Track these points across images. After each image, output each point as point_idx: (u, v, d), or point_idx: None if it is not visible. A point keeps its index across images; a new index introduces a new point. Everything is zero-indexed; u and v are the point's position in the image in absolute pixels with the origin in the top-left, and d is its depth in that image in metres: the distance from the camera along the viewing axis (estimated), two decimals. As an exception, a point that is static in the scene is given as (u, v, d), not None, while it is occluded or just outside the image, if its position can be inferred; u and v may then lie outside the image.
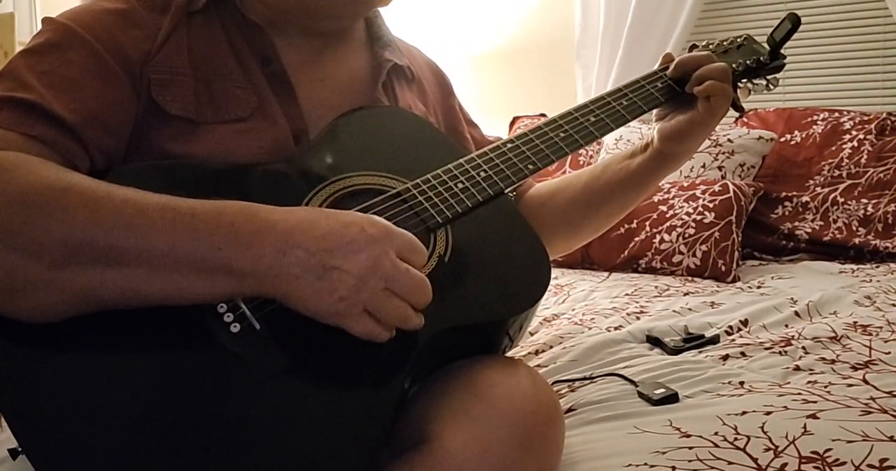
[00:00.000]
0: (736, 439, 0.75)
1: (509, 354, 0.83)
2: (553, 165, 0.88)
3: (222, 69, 0.80)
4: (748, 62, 0.98)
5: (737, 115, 1.89)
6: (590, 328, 1.26)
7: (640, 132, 2.13)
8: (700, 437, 0.76)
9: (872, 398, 0.84)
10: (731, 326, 1.21)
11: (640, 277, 1.78)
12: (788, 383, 0.94)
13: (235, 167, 0.76)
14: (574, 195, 1.01)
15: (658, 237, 1.83)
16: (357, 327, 0.62)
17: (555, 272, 1.80)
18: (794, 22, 0.95)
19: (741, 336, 1.17)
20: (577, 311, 1.41)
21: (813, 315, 1.27)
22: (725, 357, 1.06)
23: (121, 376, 0.60)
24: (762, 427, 0.77)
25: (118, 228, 0.59)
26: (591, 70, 2.71)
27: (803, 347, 1.07)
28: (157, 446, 0.58)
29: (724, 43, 1.02)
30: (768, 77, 1.01)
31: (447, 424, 0.63)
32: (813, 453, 0.71)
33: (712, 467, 0.70)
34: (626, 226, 1.85)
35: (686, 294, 1.53)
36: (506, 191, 0.80)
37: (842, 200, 1.95)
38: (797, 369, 0.99)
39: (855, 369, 0.96)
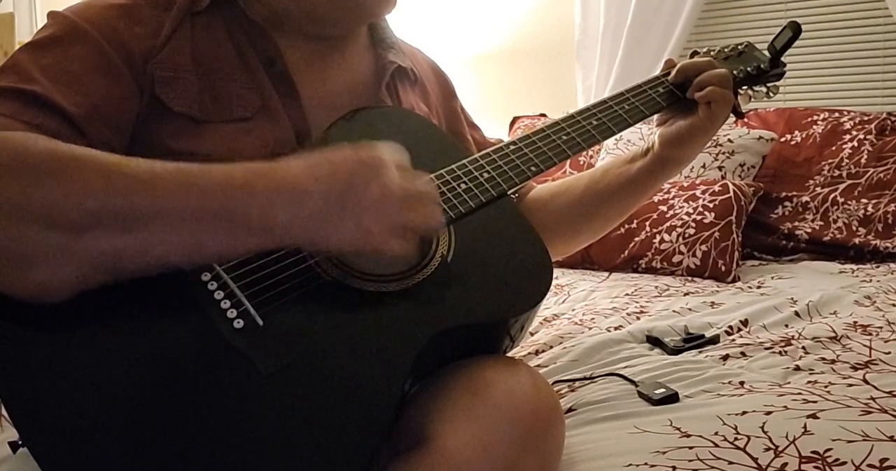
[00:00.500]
0: (736, 438, 0.75)
1: (510, 354, 0.83)
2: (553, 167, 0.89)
3: (226, 69, 0.80)
4: (749, 69, 0.99)
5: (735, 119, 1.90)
6: (590, 328, 1.26)
7: (640, 132, 2.13)
8: (700, 437, 0.76)
9: (872, 398, 0.84)
10: (731, 326, 1.21)
11: (640, 277, 1.78)
12: (788, 382, 0.94)
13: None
14: (574, 199, 1.01)
15: (658, 237, 1.83)
16: (385, 247, 0.65)
17: (555, 272, 1.80)
18: (794, 30, 0.95)
19: (741, 336, 1.17)
20: (577, 311, 1.41)
21: (813, 315, 1.27)
22: (725, 357, 1.06)
23: (122, 368, 0.60)
24: (762, 427, 0.77)
25: (134, 192, 0.59)
26: (591, 70, 2.71)
27: (803, 347, 1.07)
28: (156, 439, 0.58)
29: (726, 50, 1.03)
30: (769, 84, 1.02)
31: (447, 423, 0.63)
32: (813, 452, 0.71)
33: (712, 467, 0.70)
34: (626, 226, 1.85)
35: (686, 294, 1.53)
36: (508, 192, 0.80)
37: (842, 200, 1.95)
38: (797, 368, 0.99)
39: (855, 368, 0.96)
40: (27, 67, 0.72)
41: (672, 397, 0.88)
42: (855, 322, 1.18)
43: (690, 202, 1.86)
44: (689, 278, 1.74)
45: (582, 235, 1.06)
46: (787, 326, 1.22)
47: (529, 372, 0.72)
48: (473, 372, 0.70)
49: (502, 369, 0.70)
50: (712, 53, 1.02)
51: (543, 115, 2.59)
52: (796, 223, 1.96)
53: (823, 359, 1.01)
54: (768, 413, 0.80)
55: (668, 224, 1.84)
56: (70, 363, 0.60)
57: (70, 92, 0.71)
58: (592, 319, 1.32)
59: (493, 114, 2.72)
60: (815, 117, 2.14)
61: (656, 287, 1.61)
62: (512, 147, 0.84)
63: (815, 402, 0.83)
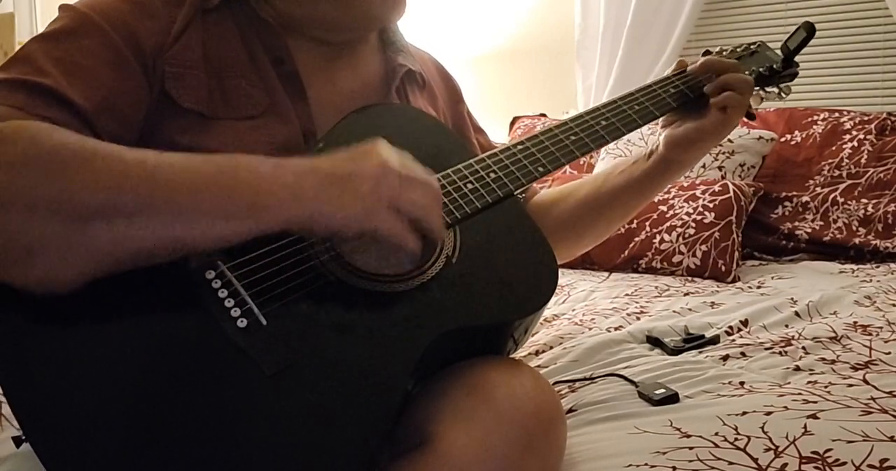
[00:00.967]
0: (736, 439, 0.75)
1: (511, 355, 0.83)
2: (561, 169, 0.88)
3: (235, 67, 0.81)
4: (761, 70, 0.98)
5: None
6: (590, 329, 1.26)
7: (640, 132, 2.13)
8: (700, 437, 0.76)
9: (872, 398, 0.84)
10: (731, 327, 1.21)
11: (640, 277, 1.78)
12: (788, 383, 0.95)
13: None
14: (577, 203, 1.02)
15: (658, 237, 1.83)
16: (386, 226, 0.65)
17: (555, 272, 1.80)
18: (809, 30, 0.94)
19: (741, 336, 1.17)
20: (577, 311, 1.41)
21: (813, 315, 1.27)
22: (725, 357, 1.06)
23: (125, 366, 0.60)
24: (762, 427, 0.77)
25: (141, 180, 0.60)
26: (591, 70, 2.71)
27: (803, 348, 1.07)
28: (159, 436, 0.58)
29: (738, 49, 1.02)
30: (781, 85, 1.01)
31: (449, 424, 0.63)
32: (813, 453, 0.71)
33: (712, 468, 0.70)
34: (626, 226, 1.85)
35: (686, 294, 1.53)
36: (515, 192, 0.80)
37: (842, 200, 1.95)
38: (797, 369, 0.99)
39: (855, 369, 0.96)
40: (39, 59, 0.72)
41: (672, 398, 0.88)
42: (855, 322, 1.18)
43: (690, 202, 1.86)
44: (689, 278, 1.74)
45: (585, 239, 1.06)
46: (787, 326, 1.22)
47: (531, 373, 0.72)
48: (475, 373, 0.70)
49: (504, 371, 0.70)
50: (725, 52, 1.01)
51: (543, 115, 2.59)
52: (796, 223, 1.96)
53: (823, 359, 1.01)
54: (768, 414, 0.81)
55: (668, 224, 1.84)
56: (72, 360, 0.60)
57: (81, 85, 0.72)
58: (592, 319, 1.32)
59: (493, 114, 2.73)
60: (815, 117, 2.14)
61: (656, 287, 1.61)
62: (519, 147, 0.83)
63: (815, 402, 0.83)
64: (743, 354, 1.07)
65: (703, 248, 1.77)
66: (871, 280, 1.57)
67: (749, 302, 1.38)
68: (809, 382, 0.93)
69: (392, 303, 0.69)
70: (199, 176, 0.62)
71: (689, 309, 1.36)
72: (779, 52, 1.00)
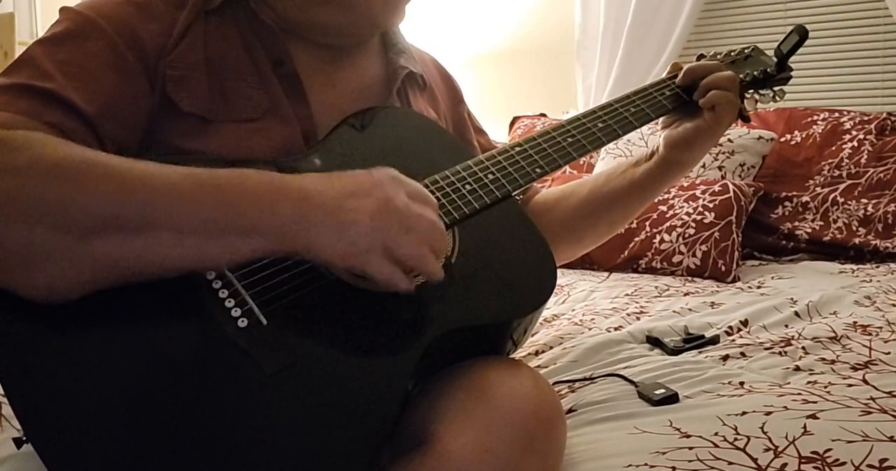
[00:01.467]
0: (736, 439, 0.75)
1: (511, 355, 0.83)
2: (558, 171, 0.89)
3: (236, 69, 0.80)
4: (755, 73, 0.99)
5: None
6: (590, 329, 1.26)
7: (640, 132, 2.13)
8: (700, 437, 0.76)
9: (872, 398, 0.84)
10: (731, 327, 1.21)
11: (640, 277, 1.78)
12: (788, 383, 0.95)
13: (247, 163, 0.76)
14: (578, 204, 1.02)
15: (658, 237, 1.83)
16: (376, 271, 0.63)
17: (555, 272, 1.80)
18: (801, 34, 0.95)
19: (741, 336, 1.17)
20: (577, 311, 1.41)
21: (813, 315, 1.27)
22: (725, 357, 1.06)
23: (125, 366, 0.61)
24: (762, 427, 0.77)
25: (143, 197, 0.60)
26: (591, 70, 2.72)
27: (803, 348, 1.07)
28: (159, 437, 0.58)
29: (732, 53, 1.03)
30: (775, 88, 1.02)
31: (449, 425, 0.63)
32: (813, 453, 0.71)
33: (712, 468, 0.70)
34: (626, 226, 1.84)
35: (686, 294, 1.53)
36: (513, 194, 0.80)
37: (842, 200, 1.95)
38: (797, 369, 0.99)
39: (855, 369, 0.96)
40: (43, 63, 0.72)
41: (672, 398, 0.88)
42: (855, 322, 1.18)
43: (690, 202, 1.86)
44: (689, 278, 1.74)
45: (587, 240, 1.07)
46: (787, 326, 1.22)
47: (531, 374, 0.72)
48: (475, 373, 0.70)
49: (504, 371, 0.70)
50: (719, 57, 1.02)
51: (543, 115, 2.60)
52: (796, 223, 1.96)
53: (823, 359, 1.01)
54: (768, 414, 0.81)
55: (668, 224, 1.84)
56: (73, 360, 0.60)
57: (84, 89, 0.72)
58: (592, 319, 1.32)
59: (493, 114, 2.73)
60: (815, 117, 2.14)
61: (656, 287, 1.61)
62: (517, 149, 0.84)
63: (814, 402, 0.83)
64: (743, 354, 1.07)
65: (703, 248, 1.77)
66: (871, 280, 1.57)
67: (749, 302, 1.38)
68: (809, 382, 0.93)
69: (392, 303, 0.69)
70: (201, 196, 0.61)
71: (689, 309, 1.36)
72: (773, 55, 1.01)
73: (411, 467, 0.62)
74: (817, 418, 0.78)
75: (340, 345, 0.65)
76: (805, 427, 0.76)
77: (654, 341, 1.16)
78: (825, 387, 0.90)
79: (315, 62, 0.86)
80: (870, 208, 1.91)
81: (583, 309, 1.42)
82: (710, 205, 1.84)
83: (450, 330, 0.69)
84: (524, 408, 0.65)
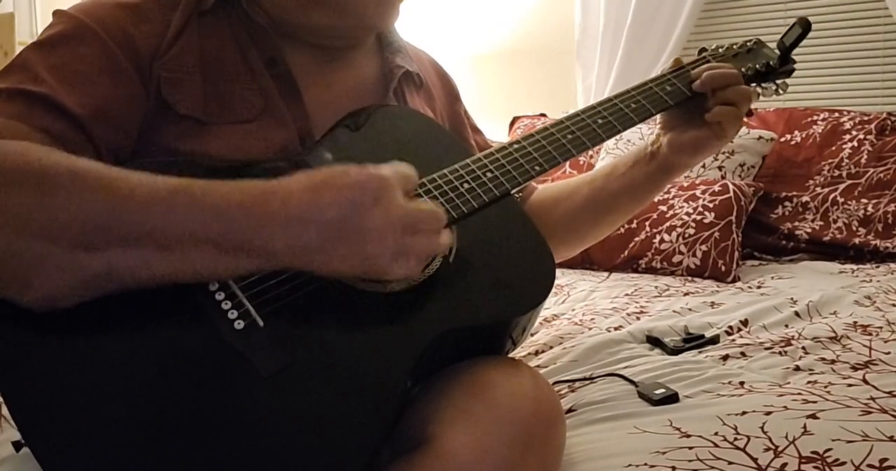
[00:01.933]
0: (736, 439, 0.75)
1: (510, 355, 0.83)
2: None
3: (230, 70, 0.80)
4: (758, 66, 0.98)
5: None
6: (590, 329, 1.26)
7: (640, 131, 2.13)
8: (700, 437, 0.76)
9: (872, 398, 0.84)
10: (731, 327, 1.21)
11: (640, 277, 1.78)
12: (788, 383, 0.95)
13: (243, 164, 0.76)
14: (578, 204, 1.02)
15: (658, 237, 1.83)
16: (392, 276, 0.64)
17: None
18: (804, 27, 0.94)
19: (741, 336, 1.17)
20: (577, 311, 1.41)
21: (813, 315, 1.27)
22: (725, 357, 1.06)
23: (122, 369, 0.60)
24: (762, 427, 0.77)
25: (134, 210, 0.59)
26: (591, 70, 2.72)
27: (803, 348, 1.07)
28: (158, 440, 0.58)
29: (734, 47, 1.02)
30: (777, 81, 1.01)
31: (448, 425, 0.63)
32: (813, 453, 0.71)
33: (712, 467, 0.70)
34: (626, 226, 1.85)
35: (686, 294, 1.53)
36: (512, 191, 0.80)
37: (842, 200, 1.95)
38: (797, 369, 0.99)
39: (855, 369, 0.96)
40: (35, 67, 0.72)
41: (672, 398, 0.88)
42: (855, 322, 1.18)
43: (690, 202, 1.86)
44: (689, 278, 1.74)
45: (586, 239, 1.07)
46: (787, 326, 1.22)
47: (531, 373, 0.72)
48: (474, 373, 0.70)
49: (503, 371, 0.70)
50: (720, 50, 1.01)
51: (543, 115, 2.60)
52: (796, 223, 1.96)
53: (823, 359, 1.01)
54: (768, 413, 0.80)
55: (668, 224, 1.84)
56: (70, 364, 0.60)
57: (77, 93, 0.71)
58: (592, 319, 1.32)
59: (493, 114, 2.73)
60: (815, 117, 2.14)
61: (656, 287, 1.61)
62: (516, 146, 0.83)
63: (814, 402, 0.83)
64: (743, 354, 1.07)
65: (703, 248, 1.77)
66: (871, 280, 1.57)
67: (749, 302, 1.38)
68: (809, 382, 0.93)
69: (390, 303, 0.69)
70: (195, 210, 0.60)
71: (689, 309, 1.36)
72: (775, 48, 1.00)
73: (411, 467, 0.62)
74: (817, 418, 0.78)
75: (338, 346, 0.65)
76: (805, 427, 0.76)
77: (654, 341, 1.16)
78: (825, 387, 0.89)
79: (310, 62, 0.86)
80: (870, 208, 1.91)
81: (583, 309, 1.42)
82: (710, 205, 1.84)
83: (448, 330, 0.69)
84: (524, 408, 0.65)
